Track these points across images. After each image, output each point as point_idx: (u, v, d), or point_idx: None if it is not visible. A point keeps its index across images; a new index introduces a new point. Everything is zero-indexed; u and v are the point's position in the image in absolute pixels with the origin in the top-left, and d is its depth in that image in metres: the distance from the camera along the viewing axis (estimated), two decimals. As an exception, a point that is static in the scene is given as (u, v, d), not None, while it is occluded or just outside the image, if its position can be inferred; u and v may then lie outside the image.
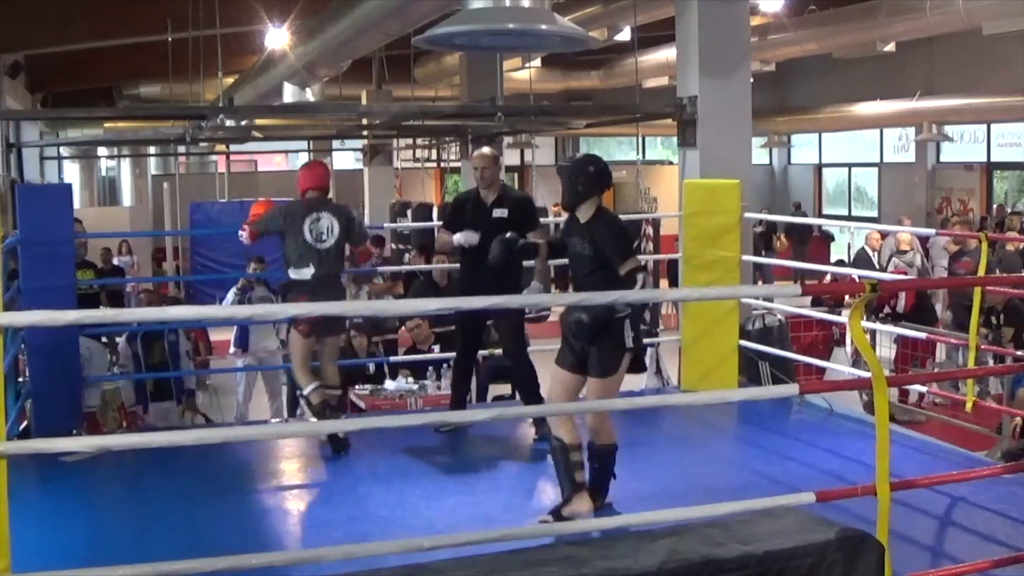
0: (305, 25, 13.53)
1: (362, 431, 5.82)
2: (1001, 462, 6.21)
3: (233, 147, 20.76)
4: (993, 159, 20.26)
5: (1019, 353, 8.54)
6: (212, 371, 9.49)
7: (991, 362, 8.39)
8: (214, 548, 3.59)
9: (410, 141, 19.28)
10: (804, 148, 25.63)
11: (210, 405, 9.46)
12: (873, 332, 9.10)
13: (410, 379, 8.61)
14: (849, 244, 18.93)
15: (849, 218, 23.58)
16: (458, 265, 6.76)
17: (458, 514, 5.08)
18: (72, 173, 25.62)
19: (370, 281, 11.43)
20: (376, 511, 5.14)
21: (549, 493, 5.37)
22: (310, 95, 14.99)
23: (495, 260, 5.53)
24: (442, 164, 21.06)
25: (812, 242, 20.46)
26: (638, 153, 20.70)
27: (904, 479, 4.01)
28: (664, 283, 14.10)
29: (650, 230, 13.78)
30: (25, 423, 6.52)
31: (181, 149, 20.17)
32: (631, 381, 6.59)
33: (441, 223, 7.51)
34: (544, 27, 6.61)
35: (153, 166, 26.13)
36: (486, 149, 6.62)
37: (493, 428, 6.57)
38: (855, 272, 8.58)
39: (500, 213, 6.24)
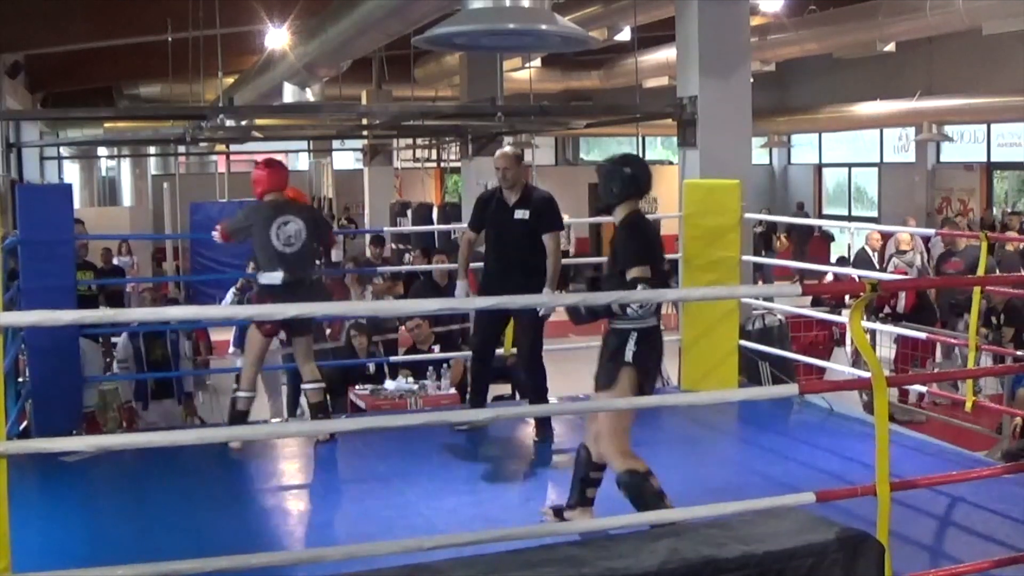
0: (305, 25, 13.53)
1: (362, 431, 5.83)
2: (1001, 462, 6.21)
3: (233, 147, 20.73)
4: (993, 159, 20.27)
5: (1019, 353, 8.55)
6: (212, 371, 9.48)
7: (986, 362, 8.39)
8: (214, 548, 3.59)
9: (410, 141, 19.27)
10: (804, 148, 25.63)
11: (210, 405, 9.46)
12: (873, 332, 9.10)
13: (410, 379, 8.61)
14: (849, 244, 18.93)
15: (849, 218, 23.58)
16: (456, 265, 6.75)
17: (458, 514, 5.08)
18: (72, 173, 25.62)
19: (371, 281, 11.44)
20: (376, 511, 5.14)
21: (549, 493, 5.38)
22: (310, 95, 14.98)
23: (579, 319, 4.90)
24: (442, 164, 21.05)
25: (812, 242, 20.48)
26: (638, 153, 20.69)
27: (904, 479, 4.01)
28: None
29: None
30: (25, 423, 6.52)
31: (181, 149, 20.15)
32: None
33: (441, 223, 7.50)
34: (544, 27, 6.61)
35: (153, 166, 26.14)
36: (508, 149, 6.54)
37: (493, 428, 6.57)
38: (855, 272, 8.59)
39: (522, 215, 6.20)
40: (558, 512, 4.82)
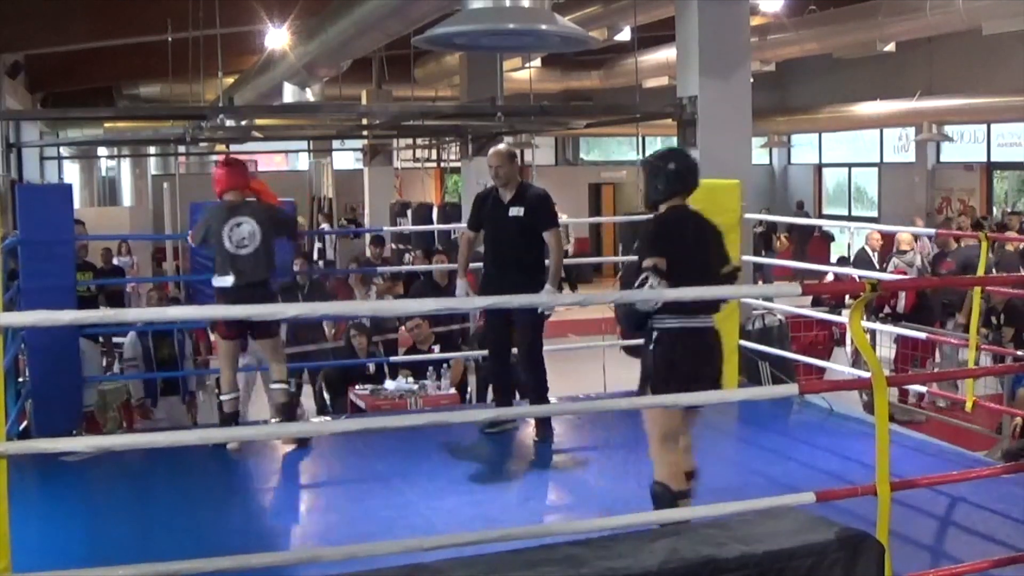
0: (305, 25, 13.53)
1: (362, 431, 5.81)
2: (1001, 462, 6.21)
3: (233, 147, 20.72)
4: (993, 159, 20.26)
5: (1019, 353, 8.55)
6: (212, 371, 9.48)
7: (986, 362, 8.39)
8: (214, 548, 3.59)
9: (410, 141, 19.27)
10: (804, 148, 25.62)
11: (209, 405, 9.47)
12: (873, 332, 9.10)
13: (410, 379, 8.61)
14: (849, 244, 18.92)
15: (849, 218, 23.57)
16: (456, 265, 6.75)
17: (458, 514, 5.08)
18: (72, 173, 25.59)
19: (371, 281, 11.45)
20: (376, 511, 5.13)
21: (549, 493, 5.38)
22: (310, 95, 14.99)
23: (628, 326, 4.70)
24: (442, 164, 21.05)
25: (812, 242, 20.47)
26: (638, 153, 20.66)
27: (904, 479, 4.01)
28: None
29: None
30: (25, 423, 6.52)
31: (181, 149, 20.13)
32: (630, 381, 6.58)
33: (441, 223, 7.50)
34: (544, 27, 6.61)
35: (153, 166, 26.10)
36: (501, 147, 6.54)
37: (493, 428, 6.56)
38: (855, 272, 8.58)
39: (516, 212, 6.19)
40: None
